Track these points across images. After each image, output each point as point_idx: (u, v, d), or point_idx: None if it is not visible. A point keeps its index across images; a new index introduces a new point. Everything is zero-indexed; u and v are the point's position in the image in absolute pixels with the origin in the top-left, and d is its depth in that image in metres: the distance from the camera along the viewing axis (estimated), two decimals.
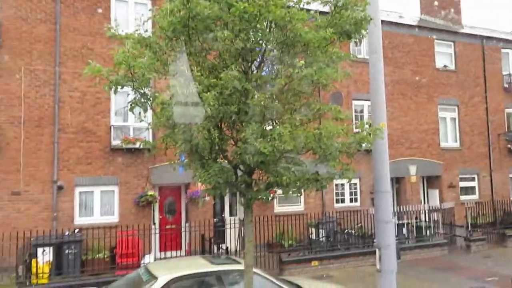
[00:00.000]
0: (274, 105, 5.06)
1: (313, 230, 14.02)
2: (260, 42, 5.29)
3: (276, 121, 5.45)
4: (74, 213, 12.42)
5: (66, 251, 10.77)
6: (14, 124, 11.99)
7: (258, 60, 5.49)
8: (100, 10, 13.15)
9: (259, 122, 5.07)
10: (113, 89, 5.08)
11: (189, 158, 5.52)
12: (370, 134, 5.43)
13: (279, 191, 5.82)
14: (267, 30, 5.19)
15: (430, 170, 17.82)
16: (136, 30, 5.43)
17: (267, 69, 5.68)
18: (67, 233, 11.35)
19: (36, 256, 10.34)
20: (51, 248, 10.55)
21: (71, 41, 12.80)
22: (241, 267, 6.27)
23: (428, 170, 17.77)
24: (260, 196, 5.46)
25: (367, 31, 5.67)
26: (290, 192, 5.47)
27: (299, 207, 15.23)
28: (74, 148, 12.56)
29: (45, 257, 10.37)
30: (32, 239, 10.59)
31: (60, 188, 12.21)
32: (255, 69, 5.53)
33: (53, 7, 12.67)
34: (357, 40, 5.60)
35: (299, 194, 5.82)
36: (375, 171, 6.38)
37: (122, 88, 5.12)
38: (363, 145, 5.49)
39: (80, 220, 12.45)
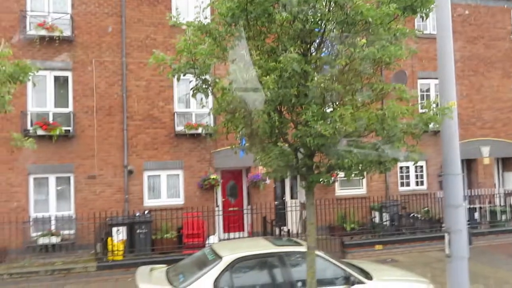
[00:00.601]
0: (334, 87, 4.94)
1: (376, 213, 13.71)
2: (319, 22, 5.17)
3: (337, 103, 5.34)
4: (143, 196, 13.18)
5: (138, 231, 11.49)
6: (88, 113, 12.88)
7: (317, 41, 5.38)
8: (161, 0, 13.59)
9: (319, 104, 5.01)
10: (176, 77, 5.26)
11: (250, 141, 5.60)
12: (438, 114, 5.14)
13: (341, 174, 5.74)
14: (326, 9, 5.05)
15: (506, 152, 16.54)
16: (196, 18, 5.54)
17: (326, 50, 5.56)
18: (137, 214, 12.11)
19: (111, 235, 11.16)
20: (124, 227, 11.31)
21: (136, 32, 13.39)
22: (303, 249, 6.32)
23: (503, 152, 16.51)
24: (321, 179, 5.43)
25: (434, 4, 5.31)
26: (352, 175, 5.37)
27: (361, 190, 14.92)
28: (141, 135, 13.26)
29: (119, 236, 11.16)
30: (107, 219, 11.43)
31: (130, 172, 13.00)
32: (314, 50, 5.43)
33: (118, 0, 13.29)
34: (423, 14, 5.27)
35: (361, 177, 5.69)
36: (444, 153, 6.04)
37: (184, 75, 5.29)
38: (431, 125, 5.22)
39: (149, 202, 13.20)
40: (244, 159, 12.09)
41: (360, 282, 6.27)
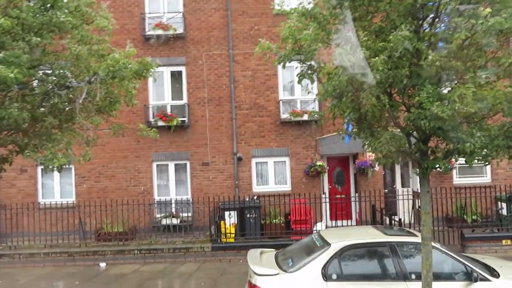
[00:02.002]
0: (452, 64, 4.51)
1: (504, 204, 12.26)
2: None
3: (456, 82, 4.87)
4: (252, 182, 13.73)
5: (248, 215, 12.01)
6: (201, 104, 13.79)
7: (431, 16, 4.95)
8: None
9: (434, 84, 4.63)
10: (281, 64, 5.32)
11: (358, 127, 5.42)
12: None
13: (461, 160, 5.24)
14: None
15: None
16: (300, 4, 5.51)
17: (442, 25, 5.09)
18: (247, 199, 12.65)
19: (224, 219, 11.86)
20: (235, 212, 11.92)
21: (241, 24, 13.85)
22: (417, 239, 5.97)
23: None
24: (437, 165, 5.03)
25: None
26: (475, 161, 4.86)
27: (484, 179, 13.49)
28: (248, 123, 13.77)
29: (231, 219, 11.81)
30: (220, 204, 12.16)
31: (239, 159, 13.62)
32: (427, 26, 5.02)
33: None
34: None
35: (485, 164, 5.13)
36: None
37: (289, 62, 5.32)
38: None
39: (257, 188, 13.70)
40: (351, 145, 11.82)
41: (485, 279, 5.70)
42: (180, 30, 13.63)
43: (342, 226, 12.34)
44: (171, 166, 13.90)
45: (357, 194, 13.43)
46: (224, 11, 13.89)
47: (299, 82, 5.44)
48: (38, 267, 10.84)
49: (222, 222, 11.84)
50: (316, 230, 10.87)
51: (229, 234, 11.67)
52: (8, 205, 12.13)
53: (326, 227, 12.30)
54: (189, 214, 13.14)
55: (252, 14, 13.85)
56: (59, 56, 6.23)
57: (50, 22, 5.37)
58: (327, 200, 12.87)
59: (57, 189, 13.79)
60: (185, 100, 13.86)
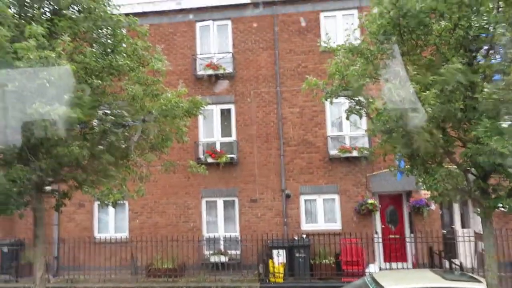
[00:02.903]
0: (511, 96, 4.28)
1: None
2: (486, 27, 4.62)
3: None
4: (300, 219, 13.45)
5: (297, 255, 11.70)
6: (249, 141, 13.97)
7: (485, 47, 4.80)
8: (310, 29, 14.07)
9: (492, 117, 4.40)
10: (329, 100, 5.31)
11: (411, 163, 5.22)
12: None
13: None
14: (494, 11, 4.48)
15: None
16: (346, 40, 5.55)
17: (498, 56, 4.90)
18: (296, 238, 12.36)
19: (272, 257, 11.63)
20: (284, 250, 11.67)
21: (288, 62, 14.11)
22: (481, 286, 5.48)
23: None
24: (501, 205, 4.68)
25: None
26: None
27: None
28: (297, 159, 13.69)
29: (279, 258, 11.56)
30: (268, 242, 11.98)
31: (288, 196, 13.47)
32: (481, 58, 4.85)
33: (271, 35, 14.29)
34: None
35: None
36: None
37: (337, 98, 5.31)
38: None
39: (306, 226, 13.38)
40: (404, 183, 11.35)
41: None
42: (229, 69, 14.11)
43: (397, 268, 11.65)
44: (220, 202, 14.00)
45: (412, 235, 12.72)
46: (272, 50, 14.25)
47: (347, 118, 5.40)
48: None
49: (270, 260, 11.62)
50: (369, 272, 10.33)
51: (277, 274, 11.39)
52: (67, 239, 12.71)
53: (380, 269, 11.67)
54: (238, 252, 13.03)
55: (299, 52, 14.10)
56: (117, 96, 6.62)
57: (110, 65, 5.78)
58: (380, 240, 12.29)
59: (111, 223, 14.28)
60: (233, 137, 14.12)
